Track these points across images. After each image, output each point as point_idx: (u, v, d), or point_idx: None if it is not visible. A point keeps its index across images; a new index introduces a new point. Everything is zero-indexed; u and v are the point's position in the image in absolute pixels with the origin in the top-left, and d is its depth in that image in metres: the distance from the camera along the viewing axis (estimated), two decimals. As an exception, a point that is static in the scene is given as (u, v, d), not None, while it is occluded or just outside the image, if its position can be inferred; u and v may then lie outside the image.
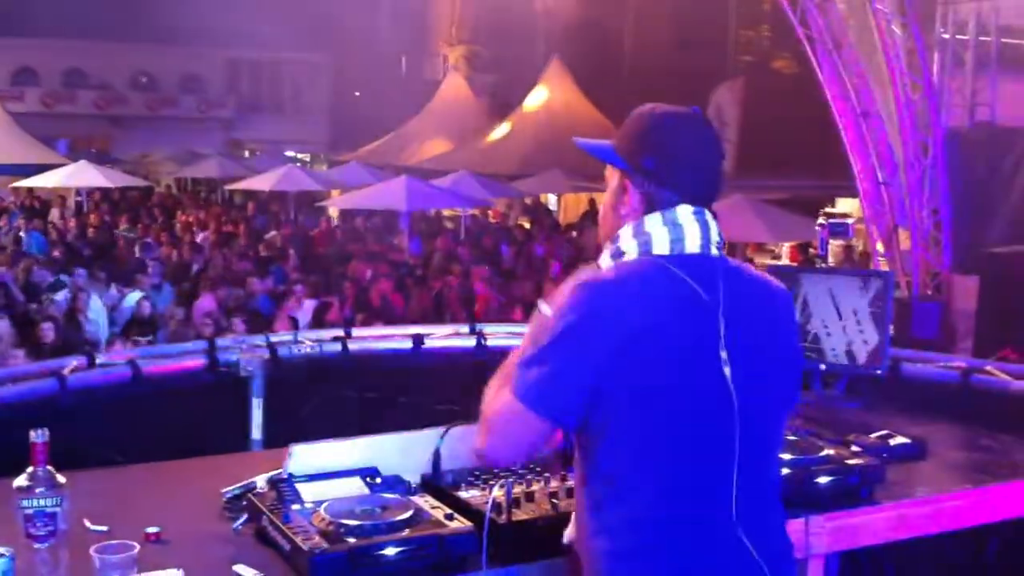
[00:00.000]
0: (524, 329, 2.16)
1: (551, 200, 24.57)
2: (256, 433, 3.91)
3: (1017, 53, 11.70)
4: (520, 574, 2.32)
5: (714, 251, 2.05)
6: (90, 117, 34.64)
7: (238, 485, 2.56)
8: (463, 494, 2.49)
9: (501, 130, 23.45)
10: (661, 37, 24.78)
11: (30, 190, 23.08)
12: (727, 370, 1.98)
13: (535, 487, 2.52)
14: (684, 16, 23.79)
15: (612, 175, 2.16)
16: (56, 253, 14.64)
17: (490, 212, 22.33)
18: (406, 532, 2.24)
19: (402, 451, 2.67)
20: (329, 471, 2.56)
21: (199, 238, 16.63)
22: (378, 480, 2.55)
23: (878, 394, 3.72)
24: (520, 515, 2.38)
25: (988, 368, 3.94)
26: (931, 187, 10.98)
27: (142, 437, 3.58)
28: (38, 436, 2.15)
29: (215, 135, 35.63)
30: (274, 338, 4.24)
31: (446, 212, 20.82)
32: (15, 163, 23.03)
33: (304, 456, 2.57)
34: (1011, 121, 11.44)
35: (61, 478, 2.17)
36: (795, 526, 2.49)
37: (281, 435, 3.15)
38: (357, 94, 34.67)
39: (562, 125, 20.62)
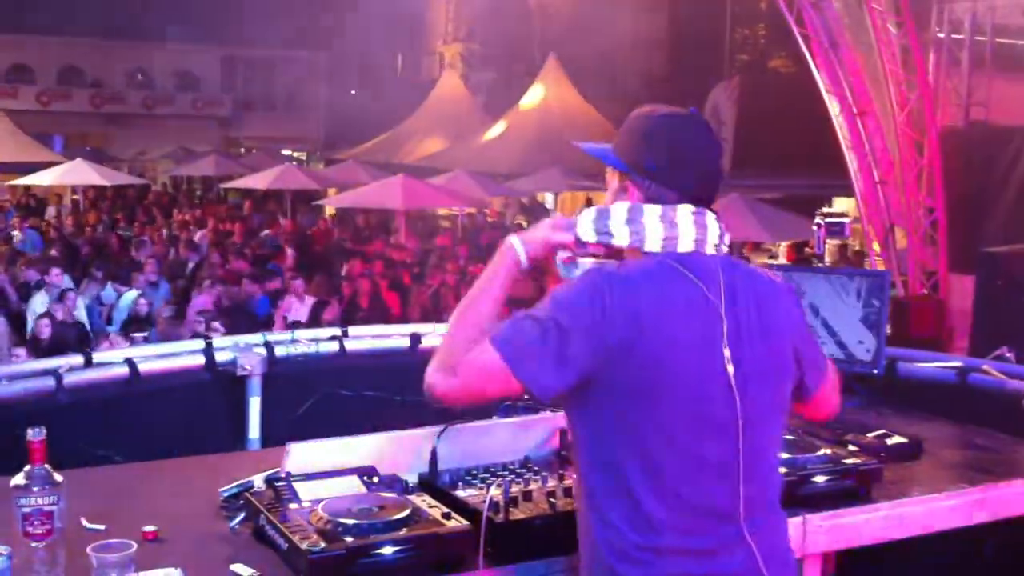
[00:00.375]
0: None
1: (548, 199, 24.54)
2: (253, 432, 3.91)
3: (1012, 52, 11.70)
4: (517, 573, 2.32)
5: (710, 249, 2.05)
6: (86, 115, 34.51)
7: (236, 484, 2.56)
8: (460, 493, 2.49)
9: (497, 128, 23.38)
10: (657, 36, 24.77)
11: (26, 188, 23.04)
12: (730, 368, 1.98)
13: (533, 486, 2.52)
14: (680, 15, 23.80)
15: (612, 177, 2.16)
16: (53, 251, 14.63)
17: (487, 211, 22.31)
18: (403, 531, 2.24)
19: (399, 450, 2.67)
20: (326, 470, 2.55)
21: (196, 236, 16.62)
22: (375, 479, 2.55)
23: (875, 394, 3.72)
24: (517, 514, 2.38)
25: (985, 367, 3.94)
26: (927, 186, 11.01)
27: (139, 436, 3.58)
28: (35, 434, 2.14)
29: (211, 133, 35.61)
30: (271, 337, 4.24)
31: (442, 211, 20.78)
32: (10, 161, 22.98)
33: (301, 455, 2.57)
34: (1006, 120, 11.44)
35: (58, 477, 2.16)
36: (792, 525, 2.49)
37: (278, 434, 3.15)
38: (353, 92, 34.66)
39: (558, 124, 20.60)
